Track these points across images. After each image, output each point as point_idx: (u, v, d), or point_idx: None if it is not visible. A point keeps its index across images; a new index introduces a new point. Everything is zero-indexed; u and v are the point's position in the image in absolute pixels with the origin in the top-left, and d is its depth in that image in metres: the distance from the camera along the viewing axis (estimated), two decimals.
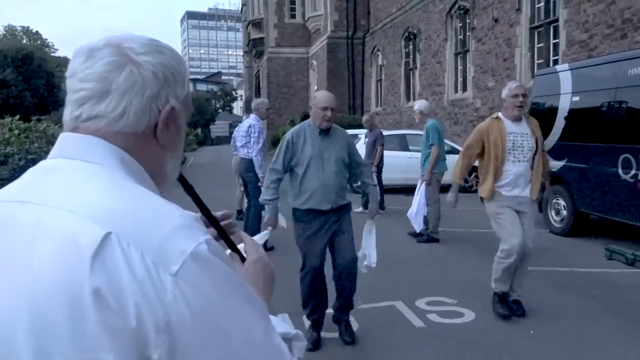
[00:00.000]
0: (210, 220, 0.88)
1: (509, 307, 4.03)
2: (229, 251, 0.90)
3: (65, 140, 0.74)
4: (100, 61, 0.72)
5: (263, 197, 3.64)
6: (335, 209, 3.51)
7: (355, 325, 3.89)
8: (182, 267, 0.61)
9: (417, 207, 6.57)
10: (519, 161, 3.95)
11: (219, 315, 0.63)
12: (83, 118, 0.73)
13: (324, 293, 3.62)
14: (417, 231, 6.72)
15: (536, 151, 4.00)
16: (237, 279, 0.69)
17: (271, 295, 0.89)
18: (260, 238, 3.24)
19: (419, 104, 7.07)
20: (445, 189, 7.11)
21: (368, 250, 3.74)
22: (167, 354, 0.60)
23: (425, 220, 6.77)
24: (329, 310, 3.71)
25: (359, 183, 3.88)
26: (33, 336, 0.60)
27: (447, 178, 6.97)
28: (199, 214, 0.90)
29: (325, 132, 3.51)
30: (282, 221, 4.14)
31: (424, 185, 6.64)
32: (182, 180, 0.85)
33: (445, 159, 6.87)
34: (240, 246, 0.92)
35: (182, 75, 0.79)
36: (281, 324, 0.80)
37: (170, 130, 0.77)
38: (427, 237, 6.73)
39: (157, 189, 0.77)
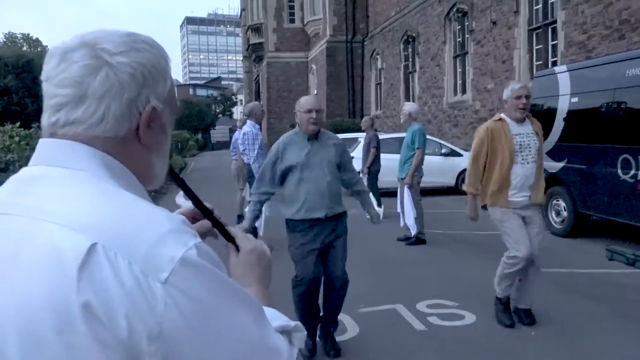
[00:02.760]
0: (204, 212, 0.86)
1: (511, 314, 3.93)
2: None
3: (45, 146, 0.71)
4: (74, 65, 0.69)
5: (249, 201, 3.57)
6: (331, 217, 3.39)
7: (356, 329, 3.89)
8: (172, 274, 0.60)
9: (407, 212, 6.62)
10: (527, 162, 3.79)
11: (212, 320, 0.63)
12: (60, 124, 0.70)
13: (317, 311, 3.52)
14: (413, 234, 6.74)
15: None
16: (229, 282, 0.67)
17: (269, 283, 0.88)
18: None
19: (409, 107, 7.13)
20: (422, 192, 7.18)
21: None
22: None
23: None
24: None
25: (351, 192, 3.68)
26: (23, 351, 0.59)
27: (423, 179, 7.07)
28: (189, 207, 0.89)
29: (314, 137, 3.41)
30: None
31: (407, 190, 6.67)
32: (172, 174, 0.83)
33: (422, 164, 6.89)
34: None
35: (163, 71, 0.75)
36: (279, 316, 0.79)
37: (153, 130, 0.74)
38: (414, 239, 6.73)
39: (145, 190, 0.75)
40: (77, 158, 0.69)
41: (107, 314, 0.58)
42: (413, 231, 6.69)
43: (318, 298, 3.47)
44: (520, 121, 3.84)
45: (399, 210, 6.96)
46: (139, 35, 0.75)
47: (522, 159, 3.78)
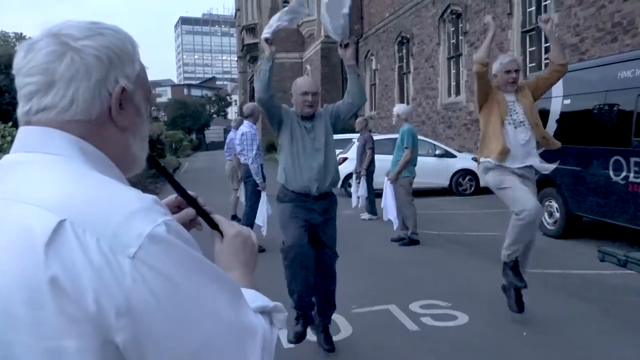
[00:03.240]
0: (188, 200, 0.86)
1: (522, 276, 3.85)
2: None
3: (23, 133, 0.73)
4: (40, 53, 0.71)
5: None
6: (323, 195, 3.37)
7: (349, 330, 3.90)
8: (140, 249, 0.61)
9: (389, 207, 6.73)
10: (515, 126, 3.84)
11: (182, 296, 0.63)
12: (33, 111, 0.72)
13: (311, 279, 3.36)
14: (395, 227, 6.81)
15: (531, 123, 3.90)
16: (200, 259, 0.68)
17: (254, 268, 0.89)
18: None
19: (398, 108, 7.19)
20: (416, 193, 7.25)
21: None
22: (131, 337, 0.61)
23: (404, 224, 6.89)
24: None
25: (348, 100, 3.44)
26: None
27: (418, 180, 7.13)
28: (174, 196, 0.89)
29: (309, 118, 3.38)
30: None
31: (391, 185, 6.74)
32: (152, 160, 0.84)
33: (415, 165, 6.93)
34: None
35: (130, 54, 0.77)
36: (259, 297, 0.79)
37: (127, 111, 0.76)
38: (408, 240, 6.77)
39: (122, 174, 0.76)
40: (52, 143, 0.70)
41: (75, 289, 0.59)
42: (395, 224, 6.75)
43: (311, 271, 3.35)
44: (509, 93, 3.92)
45: (382, 206, 7.12)
46: (104, 23, 0.77)
47: (513, 121, 3.85)
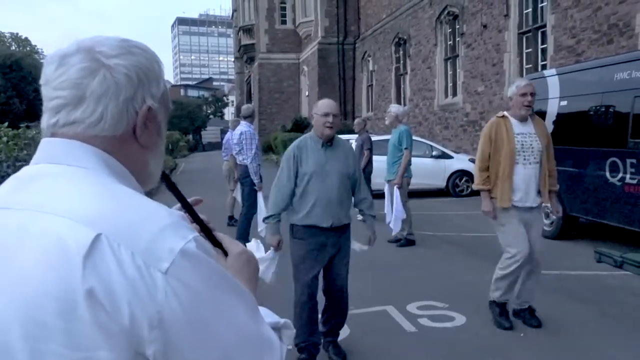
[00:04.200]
0: (193, 217, 0.88)
1: (509, 317, 3.91)
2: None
3: (47, 145, 0.74)
4: (73, 68, 0.72)
5: (266, 215, 3.43)
6: (337, 227, 3.30)
7: (346, 331, 3.89)
8: (172, 264, 0.63)
9: (395, 213, 6.64)
10: (529, 163, 3.72)
11: (209, 309, 0.65)
12: (60, 124, 0.73)
13: (316, 320, 3.47)
14: (393, 234, 6.77)
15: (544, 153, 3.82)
16: (225, 273, 0.70)
17: (256, 286, 0.91)
18: (264, 262, 3.15)
19: (396, 108, 7.12)
20: (412, 194, 7.22)
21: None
22: (161, 349, 0.62)
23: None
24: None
25: (357, 210, 3.54)
26: (26, 338, 0.61)
27: (414, 181, 7.16)
28: (183, 212, 0.91)
29: (328, 143, 3.30)
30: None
31: (396, 190, 6.69)
32: (165, 178, 0.85)
33: (410, 164, 6.91)
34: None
35: (157, 74, 0.79)
36: (270, 314, 0.82)
37: (149, 130, 0.77)
38: (404, 241, 6.77)
39: (141, 189, 0.78)
40: (78, 156, 0.71)
41: (110, 301, 0.60)
42: (394, 231, 6.71)
43: (317, 311, 3.44)
44: (524, 120, 3.79)
45: (386, 211, 7.01)
46: (133, 40, 0.79)
47: (524, 159, 3.73)
